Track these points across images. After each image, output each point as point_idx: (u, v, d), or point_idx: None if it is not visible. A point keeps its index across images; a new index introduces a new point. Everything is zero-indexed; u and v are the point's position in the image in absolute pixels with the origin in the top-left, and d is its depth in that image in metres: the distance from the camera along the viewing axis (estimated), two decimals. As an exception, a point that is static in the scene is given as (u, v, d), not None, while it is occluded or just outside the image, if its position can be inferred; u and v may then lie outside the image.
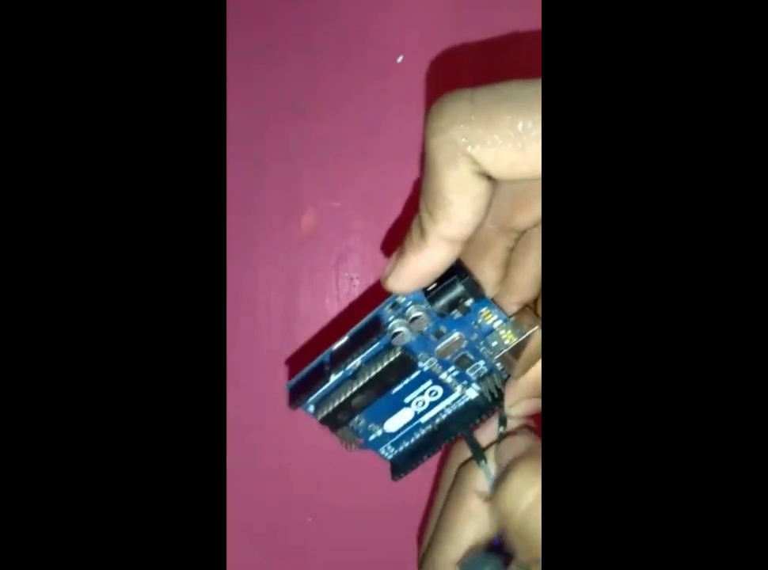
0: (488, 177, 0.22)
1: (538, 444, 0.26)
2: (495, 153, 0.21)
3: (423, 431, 0.30)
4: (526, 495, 0.23)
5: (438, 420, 0.29)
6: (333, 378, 0.26)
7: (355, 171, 0.32)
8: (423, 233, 0.23)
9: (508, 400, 0.27)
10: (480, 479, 0.27)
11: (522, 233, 0.26)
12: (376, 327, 0.26)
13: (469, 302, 0.25)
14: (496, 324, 0.27)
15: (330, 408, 0.27)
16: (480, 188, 0.22)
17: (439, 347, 0.27)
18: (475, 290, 0.25)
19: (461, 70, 0.32)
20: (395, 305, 0.26)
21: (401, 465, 0.30)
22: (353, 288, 0.34)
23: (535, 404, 0.27)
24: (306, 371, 0.27)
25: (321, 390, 0.27)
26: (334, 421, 0.27)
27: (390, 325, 0.26)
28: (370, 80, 0.32)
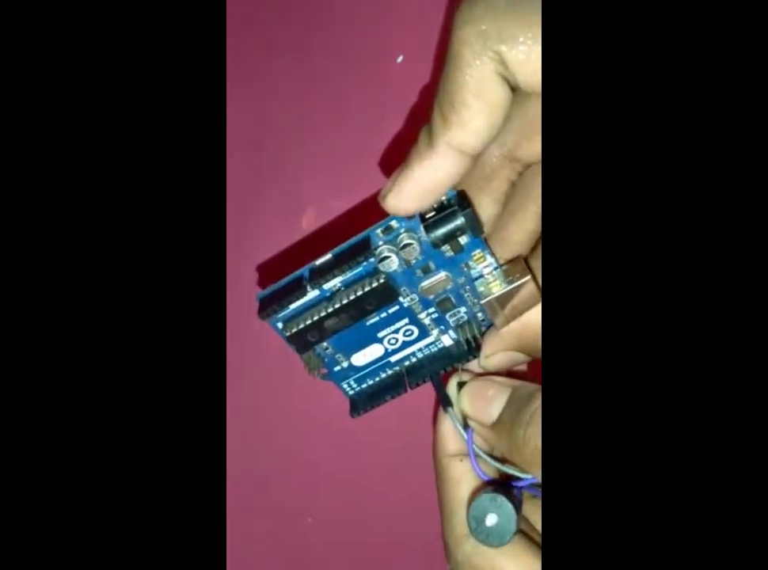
0: (511, 87, 0.20)
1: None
2: (525, 53, 0.19)
3: (389, 371, 0.28)
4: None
5: (407, 362, 0.28)
6: (309, 294, 0.25)
7: (355, 171, 0.32)
8: (432, 139, 0.22)
9: (486, 349, 0.26)
10: (450, 440, 0.26)
11: (527, 166, 0.25)
12: (364, 248, 0.25)
13: (465, 237, 0.24)
14: (486, 270, 0.26)
15: (300, 326, 0.26)
16: (501, 94, 0.20)
17: (423, 283, 0.26)
18: (475, 224, 0.24)
19: None
20: (387, 229, 0.25)
21: (360, 403, 0.28)
22: None
23: (512, 358, 0.26)
24: (281, 283, 0.26)
25: (293, 306, 0.25)
26: (302, 341, 0.26)
27: (379, 249, 0.25)
28: (370, 80, 0.32)
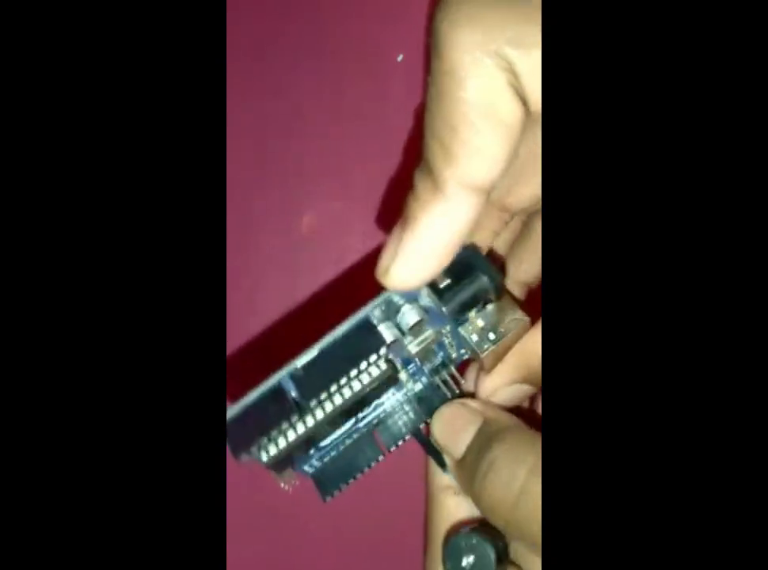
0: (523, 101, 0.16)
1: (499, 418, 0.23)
2: (539, 59, 0.15)
3: (355, 436, 0.24)
4: (517, 475, 0.20)
5: (375, 421, 0.24)
6: (294, 408, 0.18)
7: (355, 171, 0.31)
8: (435, 181, 0.17)
9: (487, 387, 0.23)
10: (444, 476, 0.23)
11: (513, 216, 0.21)
12: (366, 338, 0.19)
13: (490, 302, 0.20)
14: (471, 313, 0.22)
15: (283, 448, 0.19)
16: (517, 110, 0.16)
17: (412, 347, 0.21)
18: (502, 286, 0.19)
19: None
20: (387, 306, 0.19)
21: (328, 482, 0.23)
22: (353, 288, 0.31)
23: (519, 391, 0.23)
24: (254, 400, 0.18)
25: (275, 431, 0.19)
26: (284, 462, 0.20)
27: (384, 334, 0.19)
28: (370, 80, 0.31)
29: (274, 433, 0.18)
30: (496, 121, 0.16)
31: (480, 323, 0.22)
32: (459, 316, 0.19)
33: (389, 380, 0.19)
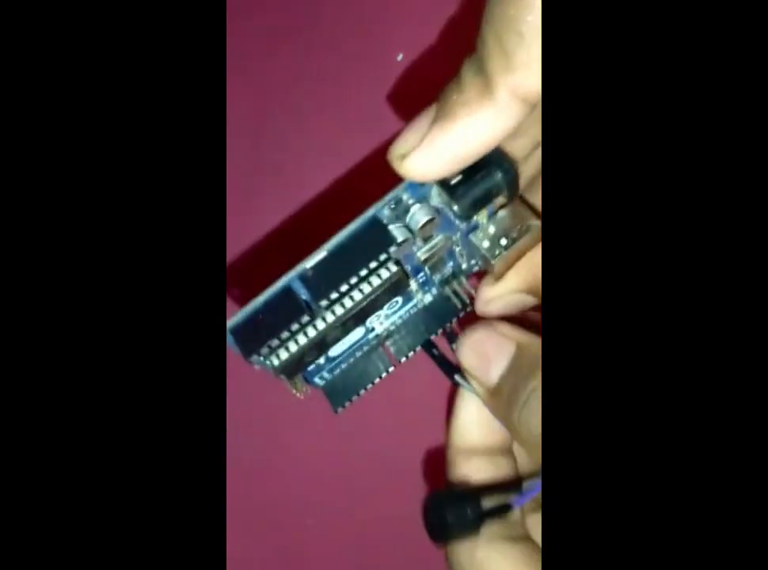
0: None
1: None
2: None
3: (366, 349, 0.23)
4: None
5: (385, 333, 0.23)
6: (305, 316, 0.18)
7: (354, 170, 0.31)
8: (488, 82, 0.16)
9: (486, 292, 0.22)
10: (468, 433, 0.23)
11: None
12: (376, 237, 0.18)
13: (502, 200, 0.19)
14: (483, 220, 0.21)
15: (294, 353, 0.19)
16: None
17: (422, 253, 0.21)
18: (516, 184, 0.19)
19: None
20: (397, 204, 0.18)
21: (340, 393, 0.23)
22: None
23: (519, 301, 0.22)
24: (261, 302, 0.18)
25: (285, 333, 0.18)
26: (294, 367, 0.19)
27: (394, 233, 0.18)
28: (370, 79, 0.31)
29: (284, 336, 0.18)
30: None
31: (492, 229, 0.21)
32: (470, 214, 0.19)
33: (399, 283, 0.19)
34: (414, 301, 0.23)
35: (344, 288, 0.18)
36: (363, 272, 0.18)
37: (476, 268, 0.23)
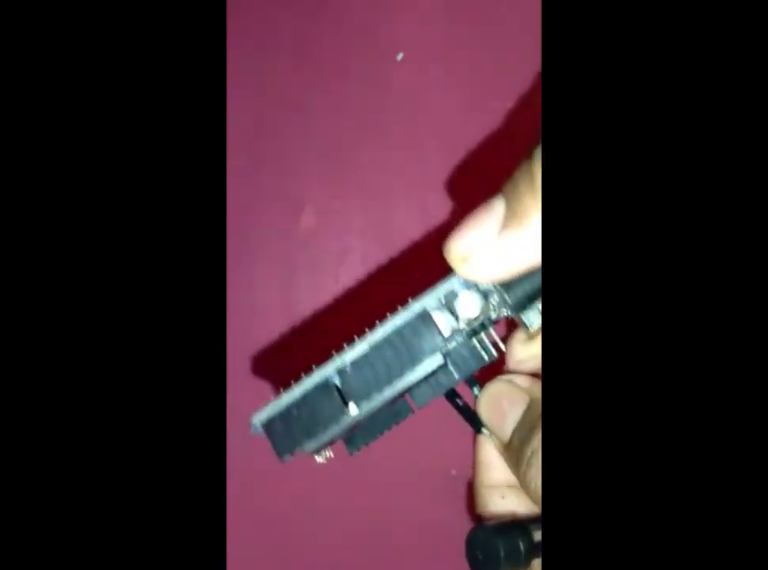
0: None
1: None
2: None
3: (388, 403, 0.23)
4: None
5: (409, 386, 0.23)
6: (350, 415, 0.18)
7: (354, 170, 0.31)
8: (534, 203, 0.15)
9: (519, 352, 0.22)
10: (492, 469, 0.23)
11: None
12: (423, 334, 0.17)
13: None
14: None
15: (326, 442, 0.19)
16: None
17: (462, 323, 0.20)
18: None
19: (461, 69, 0.32)
20: (447, 296, 0.17)
21: (356, 436, 0.23)
22: (353, 288, 0.32)
23: None
24: (298, 398, 0.18)
25: (328, 434, 0.18)
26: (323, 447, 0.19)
27: (441, 326, 0.18)
28: (370, 79, 0.31)
29: (320, 430, 0.17)
30: None
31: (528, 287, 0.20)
32: (522, 308, 0.18)
33: (438, 370, 0.18)
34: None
35: (387, 390, 0.17)
36: (408, 372, 0.17)
37: (504, 315, 0.23)
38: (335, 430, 0.18)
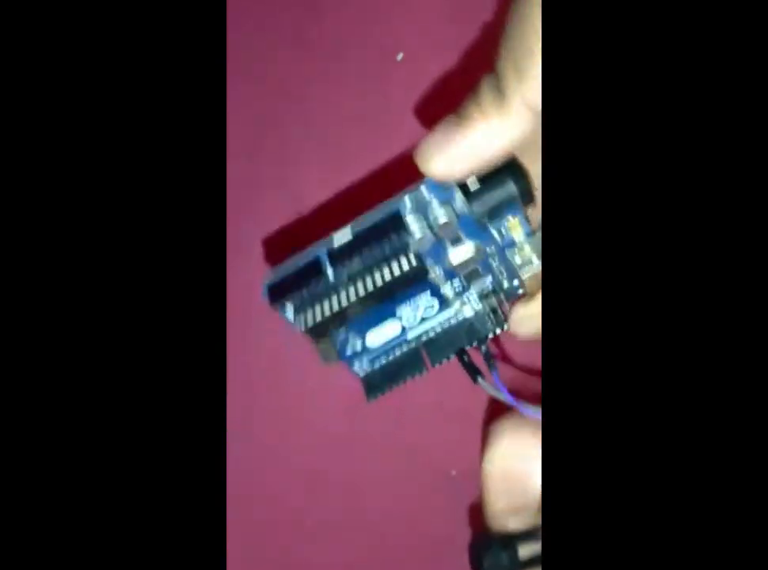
0: None
1: None
2: None
3: (405, 349, 0.26)
4: None
5: (425, 338, 0.25)
6: (329, 281, 0.21)
7: (355, 170, 0.31)
8: (503, 94, 0.18)
9: (518, 311, 0.23)
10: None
11: None
12: (393, 227, 0.21)
13: (516, 210, 0.21)
14: (519, 238, 0.23)
15: (318, 318, 0.22)
16: None
17: (452, 257, 0.23)
18: (527, 193, 0.20)
19: (461, 69, 0.31)
20: (418, 201, 0.21)
21: (375, 385, 0.25)
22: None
23: None
24: (292, 266, 0.22)
25: (311, 295, 0.21)
26: (319, 331, 0.23)
27: (411, 227, 0.21)
28: (370, 79, 0.31)
29: (307, 295, 0.21)
30: None
31: (527, 248, 0.23)
32: (487, 218, 0.21)
33: (416, 275, 0.21)
34: (452, 310, 0.25)
35: (360, 265, 0.21)
36: (378, 256, 0.21)
37: (520, 291, 0.25)
38: (324, 303, 0.22)
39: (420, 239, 0.21)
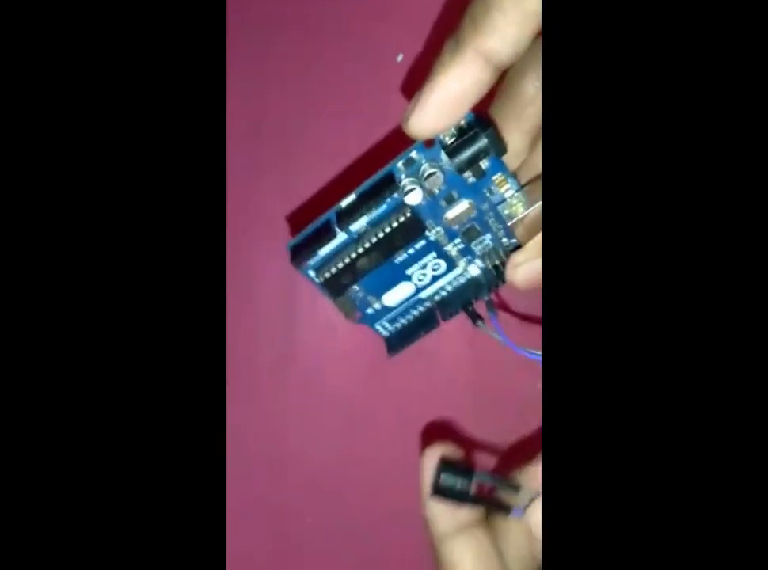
0: None
1: None
2: None
3: (421, 308, 0.29)
4: None
5: (437, 297, 0.28)
6: (339, 237, 0.25)
7: (355, 170, 0.31)
8: (459, 45, 0.21)
9: (513, 260, 0.26)
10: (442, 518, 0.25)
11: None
12: (387, 183, 0.25)
13: (488, 161, 0.24)
14: (508, 194, 0.26)
15: (332, 271, 0.26)
16: (537, 4, 0.20)
17: (448, 214, 0.26)
18: (498, 144, 0.24)
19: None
20: (409, 162, 0.24)
21: (396, 342, 0.29)
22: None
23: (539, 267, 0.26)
24: (309, 229, 0.26)
25: (324, 251, 0.25)
26: (335, 286, 0.26)
27: (403, 182, 0.24)
28: (370, 80, 0.32)
29: (323, 254, 0.25)
30: (520, 7, 0.20)
31: (515, 202, 0.26)
32: (465, 169, 0.24)
33: (411, 225, 0.25)
34: (459, 269, 0.28)
35: (363, 222, 0.25)
36: (377, 211, 0.24)
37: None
38: (335, 253, 0.25)
39: (410, 191, 0.24)
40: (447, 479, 0.24)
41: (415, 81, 0.32)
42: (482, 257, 0.28)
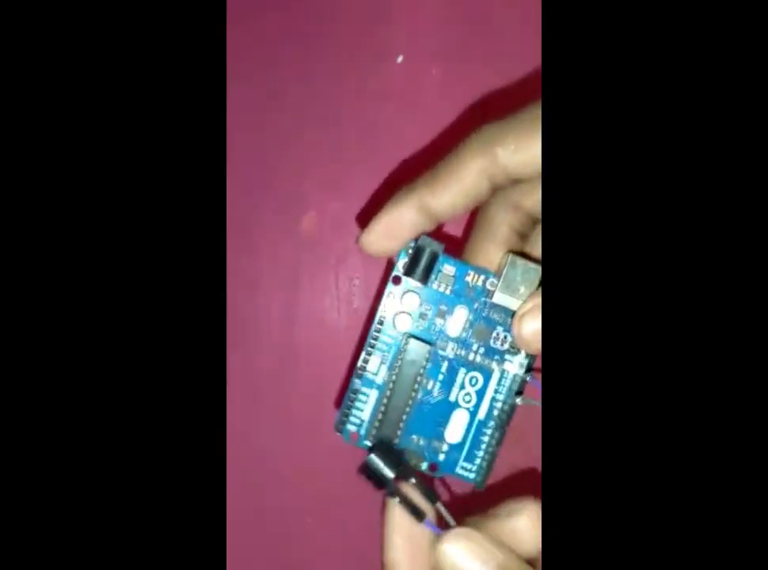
0: (493, 185, 0.25)
1: None
2: (515, 150, 0.24)
3: (488, 431, 0.27)
4: None
5: (496, 411, 0.28)
6: (361, 390, 0.26)
7: (355, 171, 0.33)
8: (407, 194, 0.25)
9: (515, 334, 0.26)
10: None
11: (528, 216, 0.28)
12: (380, 324, 0.26)
13: (438, 259, 0.26)
14: (487, 283, 0.27)
15: (375, 428, 0.26)
16: (480, 187, 0.25)
17: (447, 325, 0.27)
18: (432, 241, 0.26)
19: (461, 70, 0.33)
20: (389, 296, 0.27)
21: (485, 475, 0.27)
22: (353, 288, 0.34)
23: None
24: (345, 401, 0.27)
25: (356, 411, 0.26)
26: (385, 444, 0.26)
27: (388, 313, 0.26)
28: (370, 80, 0.32)
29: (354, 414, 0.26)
30: (461, 186, 0.25)
31: (503, 284, 0.27)
32: (425, 279, 0.26)
33: (417, 348, 0.26)
34: (497, 373, 0.28)
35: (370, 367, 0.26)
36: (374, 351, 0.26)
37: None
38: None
39: (399, 316, 0.26)
40: (374, 461, 0.25)
41: (415, 81, 0.33)
42: (510, 351, 0.28)
